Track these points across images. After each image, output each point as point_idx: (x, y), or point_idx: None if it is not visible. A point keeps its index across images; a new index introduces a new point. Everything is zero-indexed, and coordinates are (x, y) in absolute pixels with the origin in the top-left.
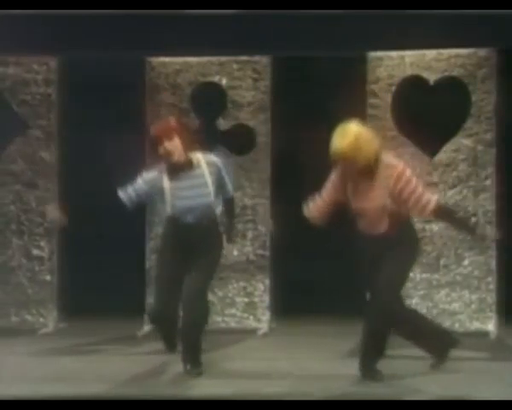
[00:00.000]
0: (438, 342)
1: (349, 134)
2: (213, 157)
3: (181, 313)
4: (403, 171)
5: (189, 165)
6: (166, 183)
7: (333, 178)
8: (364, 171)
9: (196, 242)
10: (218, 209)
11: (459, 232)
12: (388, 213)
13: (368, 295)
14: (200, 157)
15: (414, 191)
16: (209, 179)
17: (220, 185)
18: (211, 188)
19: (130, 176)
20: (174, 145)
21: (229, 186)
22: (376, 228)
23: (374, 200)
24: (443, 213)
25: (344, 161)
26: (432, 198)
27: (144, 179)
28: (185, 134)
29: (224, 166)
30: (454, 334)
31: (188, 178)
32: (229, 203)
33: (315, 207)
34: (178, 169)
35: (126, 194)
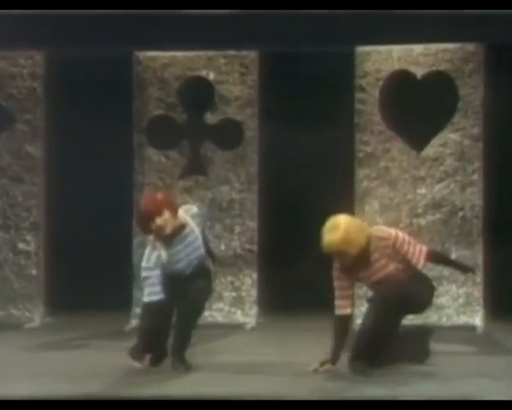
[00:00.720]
0: (414, 343)
1: (339, 228)
2: (194, 208)
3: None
4: (396, 237)
5: (180, 229)
6: (164, 254)
7: (336, 274)
8: (360, 254)
9: (186, 284)
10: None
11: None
12: (401, 271)
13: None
14: (184, 214)
15: (409, 249)
16: (197, 232)
17: (203, 229)
18: (200, 240)
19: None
20: (164, 219)
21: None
22: (394, 283)
23: (382, 269)
24: (435, 257)
25: (337, 254)
26: (422, 247)
27: (150, 267)
28: (172, 203)
29: (202, 211)
30: (424, 326)
31: (181, 241)
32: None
33: (344, 309)
34: (171, 237)
35: (159, 293)
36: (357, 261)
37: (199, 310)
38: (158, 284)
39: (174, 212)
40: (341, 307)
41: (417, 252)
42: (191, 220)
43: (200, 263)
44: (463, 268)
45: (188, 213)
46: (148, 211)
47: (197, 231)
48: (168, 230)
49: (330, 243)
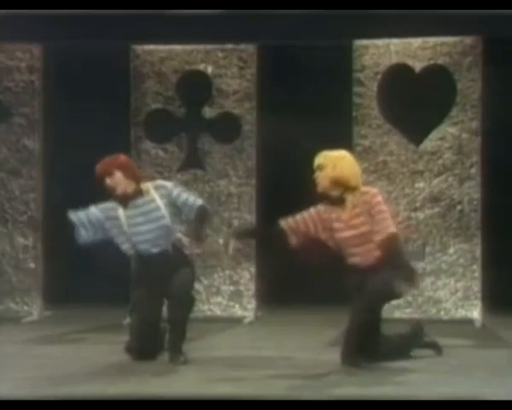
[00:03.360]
0: (413, 340)
1: (336, 151)
2: (161, 181)
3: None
4: (377, 193)
5: (137, 194)
6: (121, 212)
7: (311, 210)
8: (342, 199)
9: (166, 272)
10: (180, 232)
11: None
12: (373, 242)
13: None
14: (148, 185)
15: (380, 212)
16: (160, 202)
17: (178, 205)
18: (164, 211)
19: None
20: (115, 181)
21: (192, 198)
22: (362, 259)
23: (358, 227)
24: (395, 246)
25: (322, 167)
26: (393, 227)
27: (98, 207)
28: (128, 167)
29: (176, 186)
30: (416, 322)
31: (139, 207)
32: (201, 209)
33: (287, 223)
34: (128, 199)
35: (76, 216)
36: (339, 206)
37: (187, 301)
38: (89, 216)
39: (129, 175)
40: (288, 222)
41: (384, 225)
42: (154, 191)
43: (164, 240)
44: (411, 279)
45: (152, 184)
46: (98, 171)
47: (160, 202)
48: (119, 190)
49: (325, 154)
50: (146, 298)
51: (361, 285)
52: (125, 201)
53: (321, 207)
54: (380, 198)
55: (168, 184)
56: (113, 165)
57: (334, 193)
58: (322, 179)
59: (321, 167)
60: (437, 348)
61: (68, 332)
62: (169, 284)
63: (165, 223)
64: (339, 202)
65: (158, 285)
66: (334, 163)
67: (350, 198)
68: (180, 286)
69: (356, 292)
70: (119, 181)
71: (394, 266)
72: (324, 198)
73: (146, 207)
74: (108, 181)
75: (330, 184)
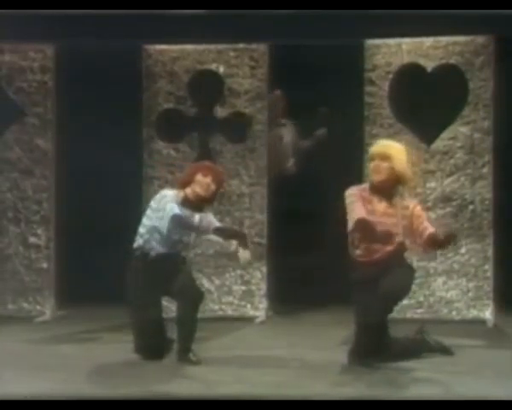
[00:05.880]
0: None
1: (397, 143)
2: (210, 214)
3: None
4: (416, 205)
5: (197, 210)
6: (170, 206)
7: (357, 195)
8: (391, 184)
9: (166, 270)
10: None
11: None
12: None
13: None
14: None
15: (422, 223)
16: (196, 223)
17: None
18: (192, 236)
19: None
20: (210, 188)
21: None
22: (374, 253)
23: (383, 225)
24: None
25: (382, 157)
26: (431, 228)
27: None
28: (218, 192)
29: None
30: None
31: (190, 216)
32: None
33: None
34: (188, 205)
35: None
36: (386, 193)
37: (193, 298)
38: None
39: (212, 197)
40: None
41: (421, 229)
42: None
43: (177, 254)
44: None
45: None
46: (215, 172)
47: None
48: (200, 194)
49: (389, 143)
50: (145, 297)
51: (367, 284)
52: (185, 202)
53: (363, 192)
54: (419, 208)
55: (209, 214)
56: (223, 179)
57: (388, 187)
58: (380, 175)
59: (385, 157)
60: (447, 352)
61: (81, 332)
62: (170, 282)
63: (188, 239)
64: (385, 195)
65: (157, 283)
66: (401, 157)
67: (393, 190)
68: (184, 284)
69: (360, 290)
70: (211, 190)
71: (399, 264)
72: (374, 189)
73: (192, 220)
74: (207, 181)
75: (390, 177)
